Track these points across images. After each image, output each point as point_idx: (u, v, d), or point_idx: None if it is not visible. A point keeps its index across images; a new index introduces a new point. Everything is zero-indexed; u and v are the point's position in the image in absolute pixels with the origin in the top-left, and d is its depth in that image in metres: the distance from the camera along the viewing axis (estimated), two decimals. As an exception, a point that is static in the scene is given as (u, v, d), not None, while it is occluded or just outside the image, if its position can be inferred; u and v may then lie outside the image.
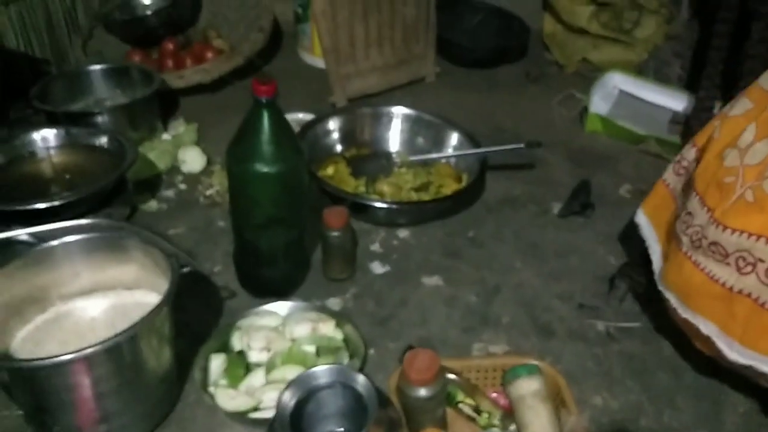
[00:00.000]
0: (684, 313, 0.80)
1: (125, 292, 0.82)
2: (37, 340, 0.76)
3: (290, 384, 0.67)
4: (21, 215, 0.93)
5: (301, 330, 0.86)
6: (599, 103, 1.48)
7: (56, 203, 0.94)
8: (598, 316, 0.98)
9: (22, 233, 0.82)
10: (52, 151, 1.12)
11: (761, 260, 0.72)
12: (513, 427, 0.76)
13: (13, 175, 1.08)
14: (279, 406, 0.65)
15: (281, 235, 0.92)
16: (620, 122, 1.44)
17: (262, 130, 0.82)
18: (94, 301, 0.81)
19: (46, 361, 0.64)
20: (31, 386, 0.68)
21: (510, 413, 0.77)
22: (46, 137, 1.13)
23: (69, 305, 0.81)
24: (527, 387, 0.76)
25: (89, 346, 0.64)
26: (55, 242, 0.79)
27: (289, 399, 0.66)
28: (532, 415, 0.74)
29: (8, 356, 0.72)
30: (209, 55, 1.54)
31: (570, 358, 0.91)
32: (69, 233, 0.79)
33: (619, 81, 1.51)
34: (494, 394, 0.80)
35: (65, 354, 0.63)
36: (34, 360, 0.67)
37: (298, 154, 0.87)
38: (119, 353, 0.67)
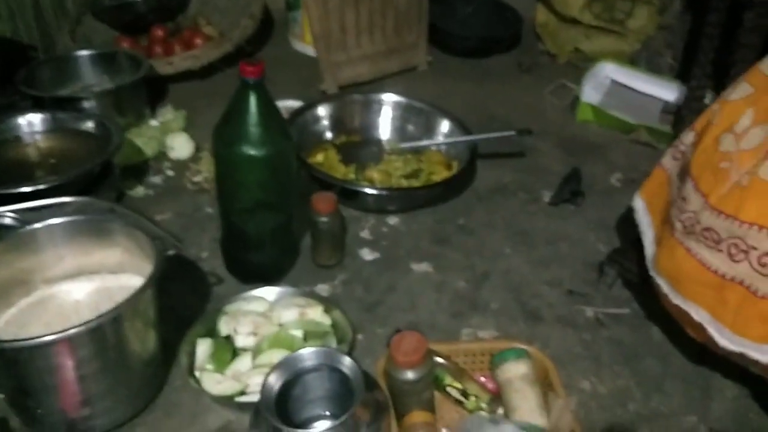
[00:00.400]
0: (675, 299, 0.80)
1: (110, 275, 0.81)
2: (21, 323, 0.75)
3: (276, 366, 0.67)
4: (5, 199, 0.92)
5: (289, 315, 0.85)
6: (591, 93, 1.48)
7: (41, 187, 0.93)
8: (587, 302, 0.98)
9: (14, 208, 0.81)
10: (38, 136, 1.11)
11: (754, 248, 0.71)
12: (501, 410, 0.76)
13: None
14: (264, 389, 0.65)
15: (268, 220, 0.91)
16: (612, 111, 1.44)
17: (249, 112, 0.81)
18: (79, 285, 0.80)
19: (29, 342, 0.63)
20: (14, 368, 0.67)
21: (498, 397, 0.77)
22: (31, 122, 1.12)
23: (53, 288, 0.80)
24: (515, 370, 0.76)
25: (72, 327, 0.63)
26: (38, 225, 0.78)
27: (275, 381, 0.65)
28: (519, 399, 0.74)
29: (-10, 338, 0.71)
30: (198, 41, 1.52)
31: (558, 343, 0.91)
32: (58, 211, 0.78)
33: (611, 71, 1.51)
34: (482, 378, 0.80)
35: (48, 335, 0.62)
36: (16, 340, 0.66)
37: (286, 138, 0.86)
38: (102, 335, 0.67)
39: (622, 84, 1.50)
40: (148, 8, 1.57)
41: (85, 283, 0.81)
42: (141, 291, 0.68)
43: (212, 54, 1.47)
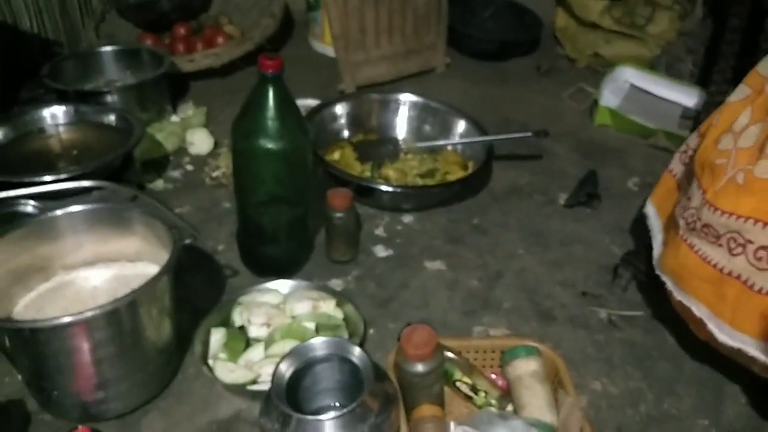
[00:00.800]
0: (678, 295, 0.81)
1: (128, 263, 0.83)
2: (39, 306, 0.76)
3: (287, 355, 0.67)
4: (27, 188, 0.94)
5: (302, 307, 0.86)
6: (609, 97, 1.48)
7: (63, 176, 0.95)
8: (601, 303, 0.98)
9: (39, 190, 0.82)
10: (61, 128, 1.13)
11: (750, 241, 0.72)
12: (510, 407, 0.76)
13: (22, 149, 1.08)
14: (275, 376, 0.66)
15: (284, 214, 0.92)
16: (630, 116, 1.43)
17: (267, 106, 0.82)
18: (97, 272, 0.82)
19: (47, 323, 0.65)
20: (32, 350, 0.68)
21: (507, 394, 0.77)
22: (55, 114, 1.14)
23: (71, 275, 0.81)
24: (525, 367, 0.76)
25: (88, 309, 0.64)
26: (58, 212, 0.79)
27: (286, 369, 0.66)
28: (529, 396, 0.74)
29: (10, 320, 0.73)
30: (220, 40, 1.54)
31: (570, 343, 0.91)
32: (80, 199, 0.80)
33: (630, 75, 1.50)
34: (492, 375, 0.80)
35: (65, 316, 0.63)
36: (34, 321, 0.67)
37: (303, 132, 0.87)
38: (118, 319, 0.68)
39: (642, 89, 1.49)
40: (171, 7, 1.59)
41: (103, 270, 0.82)
42: (158, 277, 0.70)
43: (233, 52, 1.49)
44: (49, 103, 1.18)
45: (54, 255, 0.80)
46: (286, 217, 0.92)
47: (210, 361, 0.80)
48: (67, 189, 0.84)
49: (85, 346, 0.67)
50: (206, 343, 0.82)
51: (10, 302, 0.75)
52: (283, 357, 0.67)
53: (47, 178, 0.94)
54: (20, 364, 0.73)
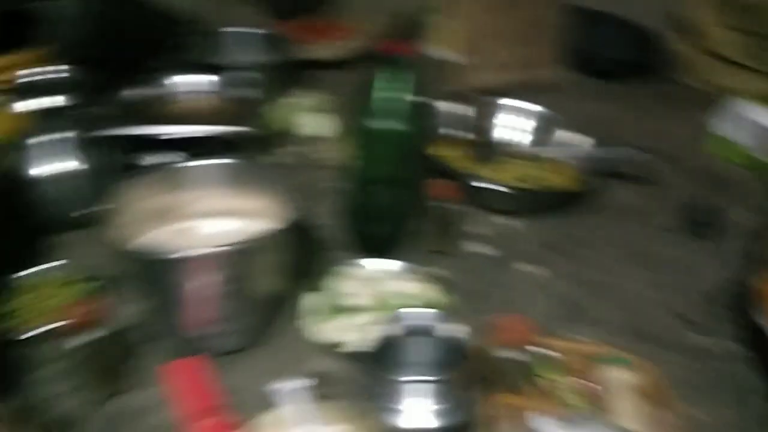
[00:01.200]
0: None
1: (249, 220, 0.86)
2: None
3: (386, 320, 0.70)
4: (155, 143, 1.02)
5: (395, 285, 0.89)
6: (727, 128, 1.43)
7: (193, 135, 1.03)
8: (700, 331, 0.95)
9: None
10: (189, 96, 1.22)
11: None
12: (597, 412, 0.75)
13: (153, 113, 1.16)
14: (370, 341, 0.68)
15: (394, 196, 0.95)
16: (748, 150, 1.38)
17: (395, 89, 0.86)
18: (218, 222, 0.87)
19: (177, 254, 0.70)
20: (152, 281, 0.74)
21: (594, 398, 0.76)
22: (185, 83, 1.24)
23: (196, 222, 0.87)
24: (617, 376, 0.75)
25: (219, 245, 0.70)
26: (190, 164, 0.86)
27: (382, 334, 0.69)
28: (618, 404, 0.73)
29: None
30: (343, 34, 1.61)
31: (663, 365, 0.87)
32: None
33: (751, 109, 1.45)
34: (582, 380, 0.79)
35: (197, 248, 0.70)
36: (168, 251, 0.72)
37: (426, 117, 0.90)
38: (239, 260, 0.73)
39: (762, 125, 1.44)
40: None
41: (225, 222, 0.87)
42: (279, 229, 0.75)
43: (355, 47, 1.55)
44: (179, 73, 1.27)
45: (180, 203, 0.86)
46: (394, 199, 0.95)
47: (304, 321, 0.84)
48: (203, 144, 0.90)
49: (209, 280, 0.72)
50: (301, 305, 0.87)
51: (138, 238, 0.82)
52: (382, 321, 0.69)
53: (183, 130, 1.03)
54: (139, 296, 0.79)
